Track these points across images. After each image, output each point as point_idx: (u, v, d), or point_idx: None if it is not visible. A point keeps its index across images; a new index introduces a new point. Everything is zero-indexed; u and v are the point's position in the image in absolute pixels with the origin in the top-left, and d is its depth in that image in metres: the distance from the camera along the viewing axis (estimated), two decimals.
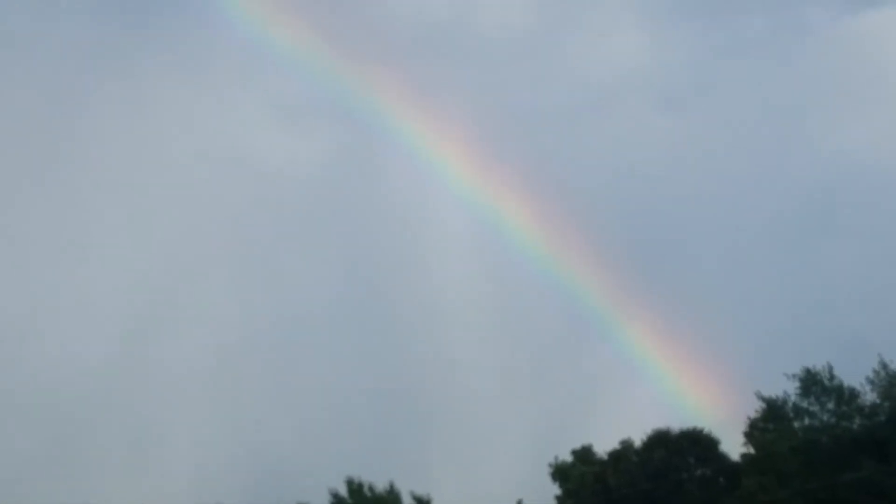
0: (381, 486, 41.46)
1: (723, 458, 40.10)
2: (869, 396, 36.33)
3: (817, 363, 36.20)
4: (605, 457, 41.90)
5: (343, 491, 41.37)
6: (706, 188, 51.05)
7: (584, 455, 42.65)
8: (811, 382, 37.13)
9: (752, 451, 38.31)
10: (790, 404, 37.39)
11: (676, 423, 39.80)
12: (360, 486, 41.23)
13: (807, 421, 36.92)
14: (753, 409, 37.08)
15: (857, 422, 36.23)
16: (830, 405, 36.74)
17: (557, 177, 44.67)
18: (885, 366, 36.47)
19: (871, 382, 36.57)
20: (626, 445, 41.39)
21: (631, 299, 45.46)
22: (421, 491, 41.80)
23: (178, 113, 40.76)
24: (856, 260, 46.76)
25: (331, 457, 42.11)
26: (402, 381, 43.77)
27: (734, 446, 38.64)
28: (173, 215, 41.37)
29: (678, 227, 46.20)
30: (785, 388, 36.58)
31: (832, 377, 37.11)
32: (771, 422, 37.65)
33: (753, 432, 38.33)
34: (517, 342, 43.98)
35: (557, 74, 45.70)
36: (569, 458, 43.00)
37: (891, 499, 32.71)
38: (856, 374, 34.44)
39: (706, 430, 40.43)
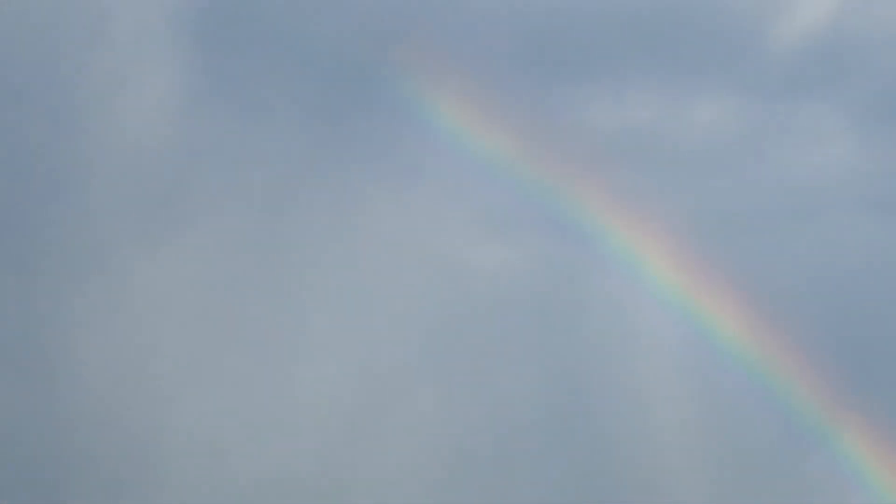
0: None
1: None
2: None
3: None
4: None
5: None
6: None
7: None
8: None
9: None
10: None
11: None
12: None
13: None
14: None
15: None
16: None
17: (765, 281, 44.00)
18: None
19: None
20: None
21: (845, 404, 44.40)
22: None
23: (386, 223, 41.49)
24: None
25: None
26: (609, 501, 43.35)
27: None
28: (380, 326, 42.01)
29: (891, 329, 44.96)
30: None
31: None
32: None
33: None
34: (727, 451, 43.10)
35: (762, 178, 45.03)
36: None
37: None
38: None
39: None
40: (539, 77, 41.84)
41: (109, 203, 39.59)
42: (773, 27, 44.08)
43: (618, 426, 41.04)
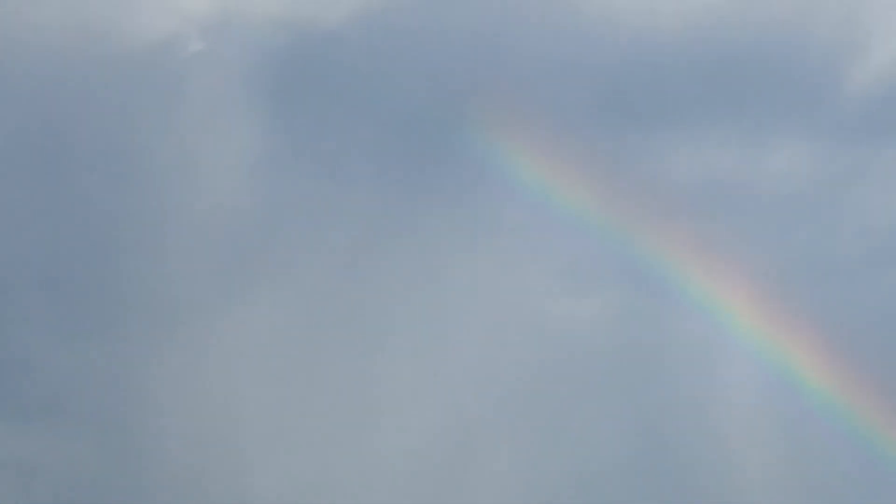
0: None
1: None
2: None
3: None
4: None
5: None
6: None
7: None
8: None
9: None
10: None
11: None
12: None
13: None
14: None
15: None
16: None
17: (847, 326, 43.62)
18: None
19: None
20: None
21: None
22: None
23: (465, 276, 41.41)
24: None
25: None
26: None
27: None
28: (461, 379, 41.90)
29: None
30: None
31: None
32: None
33: None
34: (813, 495, 42.71)
35: (843, 224, 44.67)
36: None
37: None
38: None
39: None
40: (616, 127, 41.74)
41: (189, 264, 39.71)
42: (848, 71, 43.82)
43: (703, 474, 40.66)
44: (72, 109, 39.60)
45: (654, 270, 41.28)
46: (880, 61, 44.73)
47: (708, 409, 41.51)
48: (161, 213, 39.98)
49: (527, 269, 42.46)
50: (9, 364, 38.77)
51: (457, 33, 41.63)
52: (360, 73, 41.71)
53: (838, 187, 44.69)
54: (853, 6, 44.90)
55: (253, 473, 39.51)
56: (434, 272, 42.15)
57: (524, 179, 40.77)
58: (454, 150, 41.87)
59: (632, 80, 42.42)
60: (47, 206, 39.07)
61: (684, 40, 42.42)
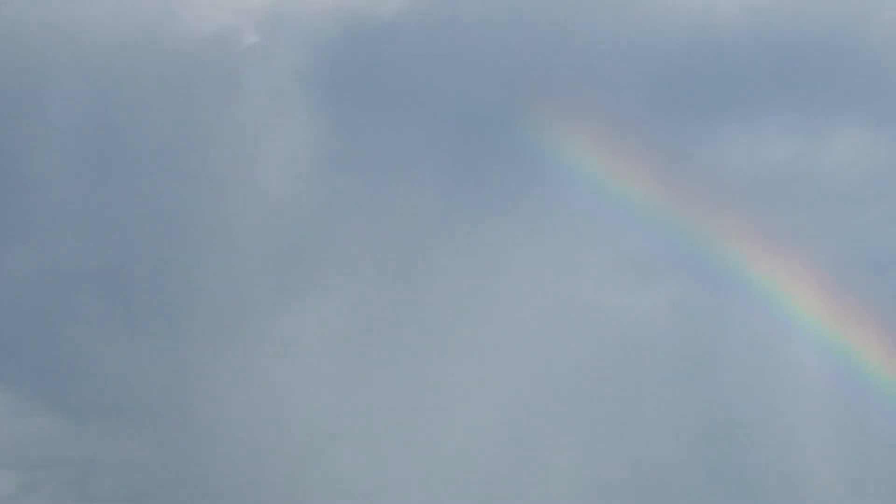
0: None
1: None
2: None
3: None
4: None
5: None
6: None
7: None
8: None
9: None
10: None
11: None
12: None
13: None
14: None
15: None
16: None
17: None
18: None
19: None
20: None
21: None
22: None
23: (526, 271, 41.05)
24: None
25: None
26: None
27: None
28: (521, 376, 41.55)
29: None
30: None
31: None
32: None
33: None
34: (878, 486, 42.34)
35: None
36: None
37: None
38: None
39: None
40: (676, 117, 41.34)
41: (246, 264, 39.46)
42: None
43: (766, 466, 40.30)
44: (129, 105, 39.43)
45: (714, 261, 40.88)
46: None
47: (770, 400, 41.09)
48: (219, 209, 39.76)
49: (587, 262, 42.09)
50: (68, 363, 38.66)
51: (514, 23, 41.29)
52: (416, 66, 41.39)
53: None
54: None
55: (311, 471, 39.28)
56: (493, 267, 41.82)
57: (583, 172, 40.40)
58: (512, 143, 41.53)
59: (691, 69, 42.03)
60: (106, 202, 38.90)
61: (745, 28, 41.98)
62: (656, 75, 41.83)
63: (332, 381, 39.71)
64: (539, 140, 41.42)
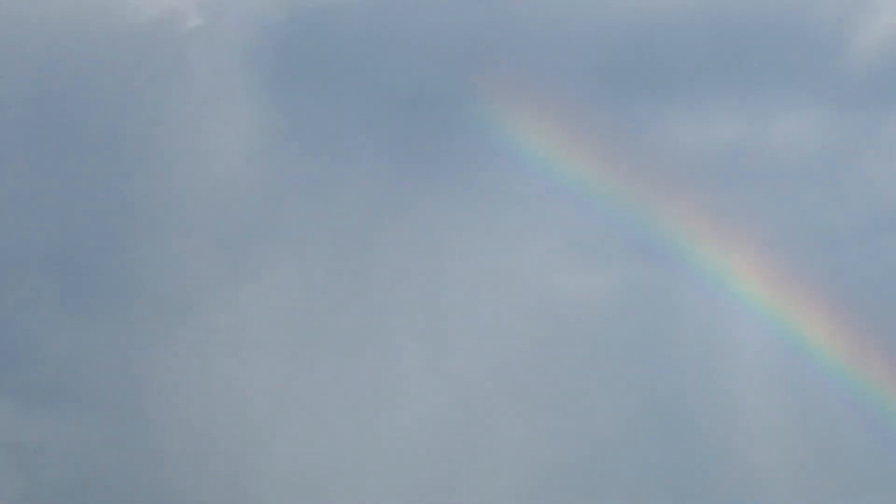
0: None
1: None
2: None
3: None
4: None
5: None
6: None
7: None
8: None
9: None
10: None
11: None
12: None
13: None
14: None
15: None
16: None
17: (855, 292, 43.58)
18: None
19: None
20: None
21: None
22: None
23: (473, 251, 41.14)
24: None
25: None
26: None
27: None
28: (469, 357, 41.65)
29: None
30: None
31: None
32: None
33: None
34: (822, 462, 42.67)
35: (851, 192, 44.55)
36: None
37: None
38: None
39: None
40: (621, 97, 41.43)
41: (193, 245, 39.30)
42: (853, 39, 43.57)
43: (713, 444, 40.61)
44: (73, 87, 39.16)
45: (661, 241, 41.07)
46: (885, 29, 44.50)
47: (718, 378, 41.41)
48: (165, 191, 39.57)
49: (534, 243, 42.21)
50: (14, 346, 38.43)
51: (460, 4, 41.24)
52: (362, 46, 41.23)
53: (844, 155, 44.54)
54: None
55: (259, 454, 39.21)
56: (440, 248, 41.88)
57: (530, 152, 40.46)
58: (458, 123, 41.47)
59: (637, 50, 42.12)
60: (51, 187, 38.64)
61: (689, 9, 42.12)
62: (603, 57, 41.89)
63: (281, 365, 39.69)
64: (487, 121, 41.40)
